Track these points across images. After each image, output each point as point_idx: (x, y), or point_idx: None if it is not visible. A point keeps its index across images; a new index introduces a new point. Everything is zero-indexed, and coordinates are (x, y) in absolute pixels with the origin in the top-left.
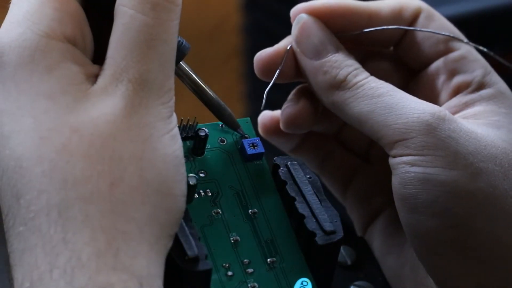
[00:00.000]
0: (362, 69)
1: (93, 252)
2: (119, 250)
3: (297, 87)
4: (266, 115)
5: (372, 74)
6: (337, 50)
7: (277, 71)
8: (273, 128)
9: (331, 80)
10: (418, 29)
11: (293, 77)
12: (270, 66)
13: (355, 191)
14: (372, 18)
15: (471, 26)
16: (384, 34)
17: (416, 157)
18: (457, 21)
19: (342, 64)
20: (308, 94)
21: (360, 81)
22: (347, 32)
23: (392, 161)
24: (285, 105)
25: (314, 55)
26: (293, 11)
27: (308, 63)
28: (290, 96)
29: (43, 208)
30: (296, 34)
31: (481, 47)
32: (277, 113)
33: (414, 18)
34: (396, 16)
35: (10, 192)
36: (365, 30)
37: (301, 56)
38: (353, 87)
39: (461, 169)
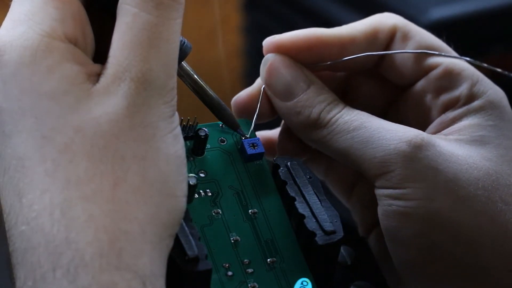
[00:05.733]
0: (336, 102)
1: (96, 252)
2: (122, 250)
3: None
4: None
5: (358, 92)
6: (308, 86)
7: (255, 114)
8: (270, 150)
9: (306, 120)
10: (391, 52)
11: (272, 116)
12: (247, 109)
13: (358, 197)
14: (346, 46)
15: (471, 26)
16: (360, 61)
17: (396, 190)
18: (457, 21)
19: (315, 101)
20: None
21: (334, 116)
22: (320, 63)
23: (376, 192)
24: (279, 139)
25: (285, 97)
26: (264, 45)
27: (280, 105)
28: (283, 128)
29: (46, 207)
30: (265, 77)
31: (466, 58)
32: (270, 134)
33: (390, 39)
34: (371, 40)
35: (12, 191)
36: (338, 60)
37: (273, 98)
38: (328, 124)
39: (442, 200)
